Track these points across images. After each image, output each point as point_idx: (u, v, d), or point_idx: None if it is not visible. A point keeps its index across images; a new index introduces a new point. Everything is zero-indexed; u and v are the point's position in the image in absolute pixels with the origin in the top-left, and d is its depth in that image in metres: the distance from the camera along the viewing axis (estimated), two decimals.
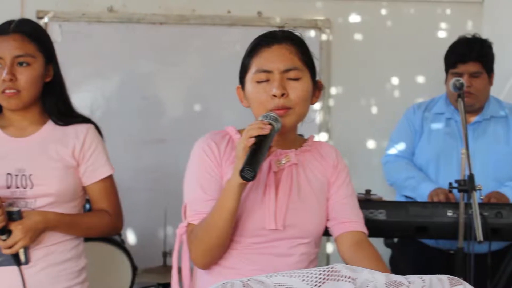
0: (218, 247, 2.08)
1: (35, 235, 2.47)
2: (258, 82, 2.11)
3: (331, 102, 4.74)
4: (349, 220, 2.21)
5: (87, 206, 2.78)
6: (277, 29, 2.23)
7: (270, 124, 2.01)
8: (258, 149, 1.95)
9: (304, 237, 2.15)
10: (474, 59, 3.58)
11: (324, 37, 4.70)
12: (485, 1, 4.76)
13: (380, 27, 4.78)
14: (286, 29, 2.21)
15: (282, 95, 2.08)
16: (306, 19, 4.70)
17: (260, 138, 1.96)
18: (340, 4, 4.75)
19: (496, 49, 3.71)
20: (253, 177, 1.91)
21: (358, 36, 4.77)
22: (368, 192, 3.24)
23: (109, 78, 4.68)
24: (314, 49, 4.54)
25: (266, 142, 1.97)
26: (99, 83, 4.67)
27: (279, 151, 2.18)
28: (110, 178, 2.69)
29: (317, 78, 2.22)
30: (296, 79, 2.11)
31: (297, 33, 2.20)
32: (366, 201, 3.16)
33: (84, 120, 2.69)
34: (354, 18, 4.76)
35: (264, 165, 2.13)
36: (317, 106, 4.65)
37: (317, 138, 4.56)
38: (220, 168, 2.15)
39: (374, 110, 4.75)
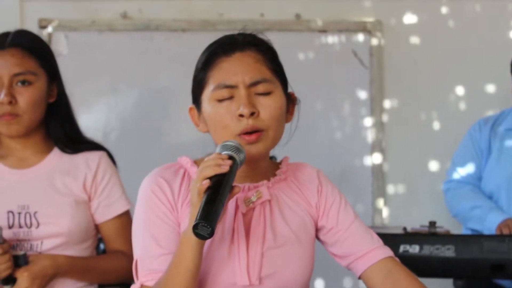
0: None
1: (44, 283, 2.47)
2: (220, 100, 1.98)
3: (385, 117, 4.69)
4: (367, 250, 2.10)
5: (102, 246, 2.77)
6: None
7: (230, 157, 1.86)
8: (215, 195, 1.78)
9: None
10: None
11: (374, 41, 4.66)
12: None
13: (440, 28, 4.73)
14: (247, 32, 2.09)
15: (252, 114, 1.95)
16: (353, 21, 4.67)
17: (218, 179, 1.80)
18: (392, 3, 4.71)
19: None
20: (210, 235, 1.75)
21: (414, 40, 4.72)
22: (432, 224, 3.20)
23: (124, 95, 4.69)
24: (363, 56, 4.64)
25: (225, 183, 1.81)
26: (113, 101, 4.67)
27: (247, 186, 2.05)
28: (126, 214, 2.69)
29: (290, 90, 2.10)
30: (267, 94, 1.99)
31: (261, 36, 2.09)
32: (431, 235, 3.13)
33: (95, 146, 2.69)
34: (410, 18, 4.72)
35: (230, 206, 2.00)
36: (368, 122, 4.63)
37: (368, 159, 4.64)
38: (176, 212, 2.00)
39: (436, 125, 4.69)
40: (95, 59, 4.61)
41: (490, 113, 4.39)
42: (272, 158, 2.19)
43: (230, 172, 1.83)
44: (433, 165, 4.66)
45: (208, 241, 1.92)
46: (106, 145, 2.82)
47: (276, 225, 2.04)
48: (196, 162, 2.09)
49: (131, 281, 2.80)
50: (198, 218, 1.74)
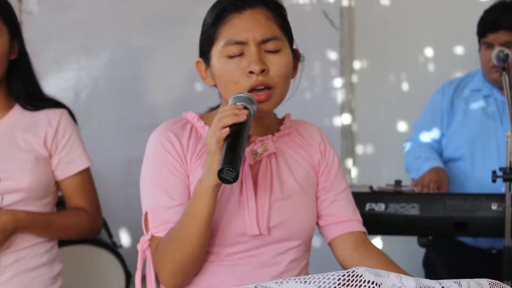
0: (192, 263, 1.98)
1: (4, 238, 2.48)
2: (230, 57, 2.01)
3: (355, 78, 4.70)
4: (347, 219, 2.17)
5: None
6: None
7: (245, 108, 1.92)
8: (236, 142, 1.85)
9: (293, 239, 2.09)
10: (506, 27, 3.55)
11: (345, 2, 4.66)
12: None
13: None
14: None
15: (262, 71, 1.99)
16: None
17: (236, 128, 1.87)
18: None
19: None
20: (235, 179, 1.81)
21: (384, 1, 4.72)
22: (398, 183, 3.22)
23: (96, 54, 4.67)
24: (334, 17, 4.62)
25: (244, 131, 1.88)
26: (85, 61, 4.66)
27: (253, 139, 2.10)
28: (87, 171, 2.71)
29: (294, 46, 2.13)
30: (276, 52, 2.03)
31: None
32: (396, 194, 3.15)
33: (56, 104, 2.69)
34: None
35: None
36: (338, 83, 4.64)
37: (338, 120, 4.65)
38: (185, 165, 2.05)
39: (405, 86, 4.71)
40: (66, 18, 4.57)
41: (458, 74, 4.39)
42: (274, 114, 2.23)
43: (246, 121, 1.90)
44: (402, 126, 4.68)
45: (218, 193, 1.96)
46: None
47: (283, 177, 2.10)
48: (202, 117, 2.14)
49: (90, 237, 2.83)
50: (222, 163, 1.81)
